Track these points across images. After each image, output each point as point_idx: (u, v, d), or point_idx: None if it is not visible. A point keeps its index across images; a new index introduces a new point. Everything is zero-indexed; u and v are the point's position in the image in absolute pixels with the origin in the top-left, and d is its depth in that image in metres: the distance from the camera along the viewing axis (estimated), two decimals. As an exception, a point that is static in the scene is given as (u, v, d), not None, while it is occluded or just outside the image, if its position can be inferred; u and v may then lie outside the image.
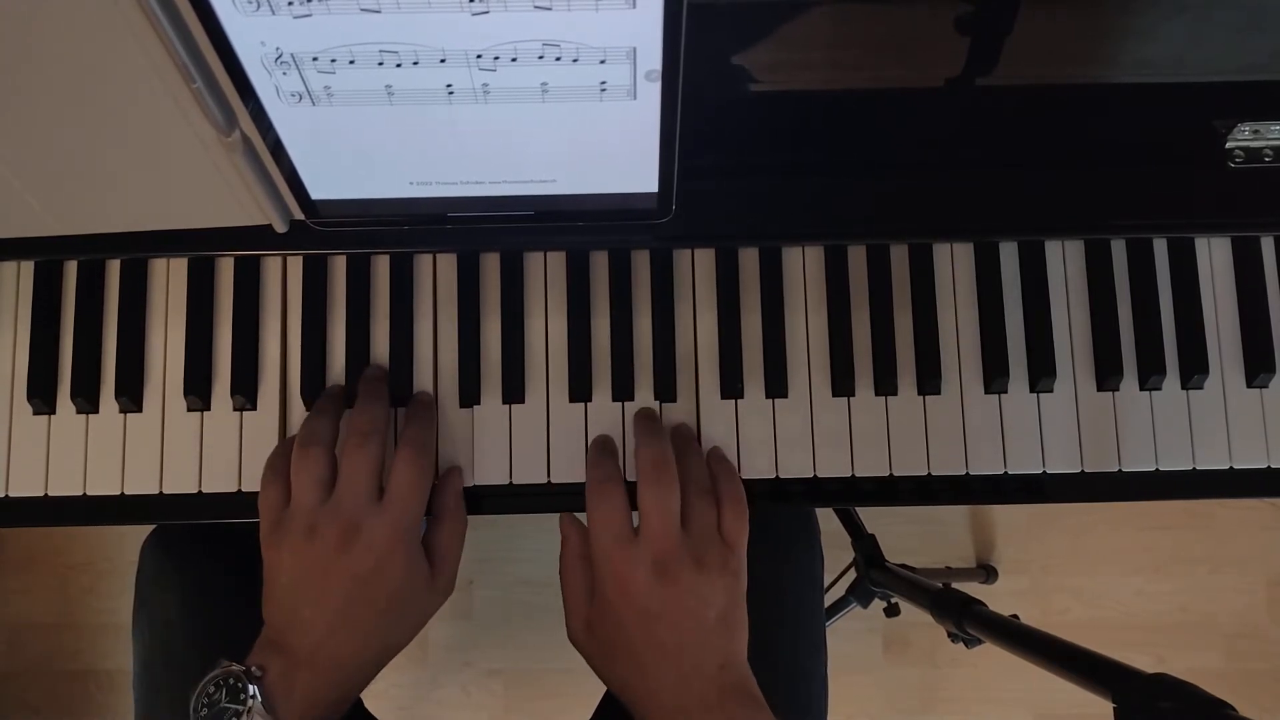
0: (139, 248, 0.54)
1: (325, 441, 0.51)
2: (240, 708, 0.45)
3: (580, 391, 0.55)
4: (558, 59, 0.37)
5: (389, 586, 0.49)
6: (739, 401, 0.55)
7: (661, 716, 0.48)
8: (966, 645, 0.82)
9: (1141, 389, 0.56)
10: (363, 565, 0.48)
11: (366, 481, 0.49)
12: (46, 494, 0.54)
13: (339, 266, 0.56)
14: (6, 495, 0.55)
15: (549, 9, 0.35)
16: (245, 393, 0.55)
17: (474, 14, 0.35)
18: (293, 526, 0.49)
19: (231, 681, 0.46)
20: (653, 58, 0.38)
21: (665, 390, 0.55)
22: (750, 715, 0.48)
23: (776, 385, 0.55)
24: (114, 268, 0.56)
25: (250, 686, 0.45)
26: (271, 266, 0.56)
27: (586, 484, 0.51)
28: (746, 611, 0.51)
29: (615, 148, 0.44)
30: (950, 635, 0.85)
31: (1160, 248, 0.57)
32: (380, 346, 0.56)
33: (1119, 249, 0.57)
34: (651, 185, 0.46)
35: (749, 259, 0.56)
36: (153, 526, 0.69)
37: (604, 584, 0.49)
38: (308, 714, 0.47)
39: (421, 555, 0.51)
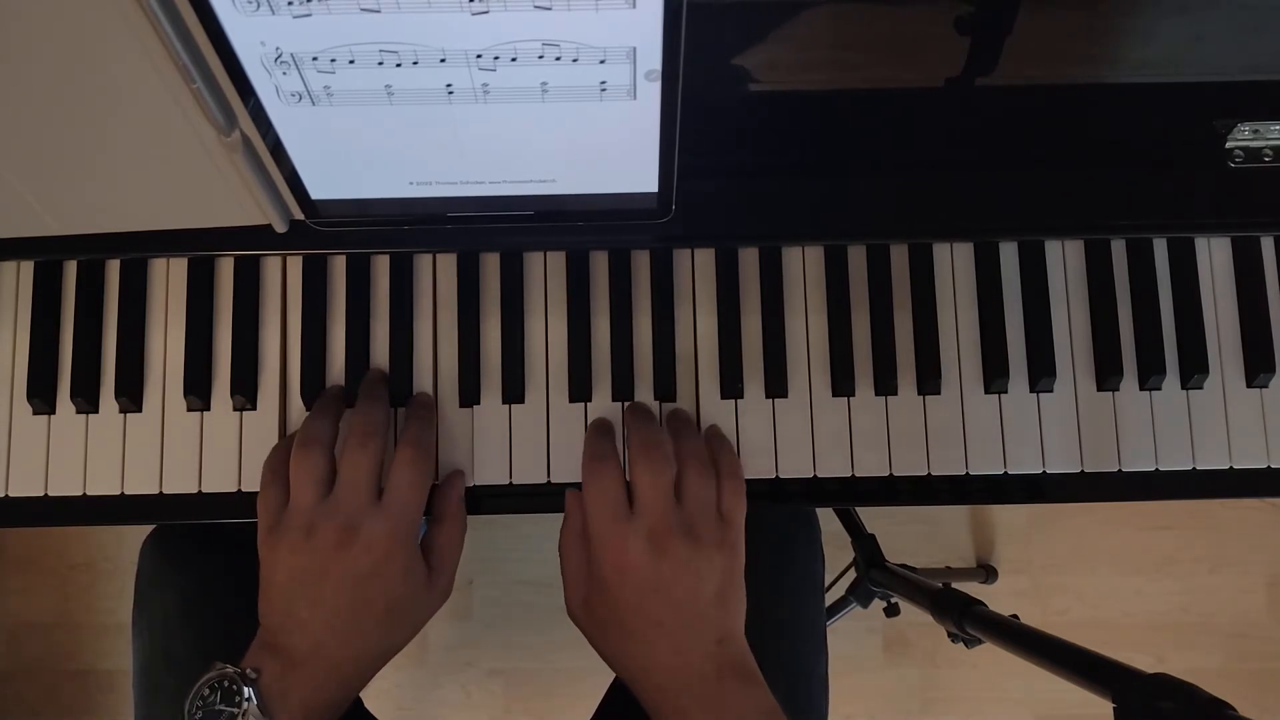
0: (139, 248, 0.54)
1: (325, 441, 0.51)
2: (235, 710, 0.45)
3: (580, 391, 0.55)
4: (557, 59, 0.37)
5: (387, 587, 0.49)
6: (739, 401, 0.55)
7: (658, 691, 0.48)
8: (966, 645, 0.82)
9: (1141, 389, 0.56)
10: (361, 565, 0.48)
11: (366, 481, 0.49)
12: (46, 494, 0.54)
13: (339, 266, 0.56)
14: (6, 495, 0.54)
15: (549, 9, 0.35)
16: (245, 393, 0.55)
17: (474, 14, 0.35)
18: (291, 526, 0.49)
19: (226, 684, 0.45)
20: (653, 58, 0.38)
21: (665, 390, 0.55)
22: (749, 692, 0.48)
23: (776, 385, 0.55)
24: (114, 268, 0.56)
25: (245, 689, 0.45)
26: (271, 266, 0.56)
27: (583, 463, 0.52)
28: (744, 588, 0.51)
29: (615, 148, 0.44)
30: (950, 635, 0.85)
31: (1160, 248, 0.57)
32: (380, 347, 0.56)
33: (1119, 249, 0.57)
34: (651, 185, 0.46)
35: (749, 259, 0.56)
36: (153, 526, 0.69)
37: (600, 560, 0.49)
38: (305, 716, 0.46)
39: (419, 557, 0.51)
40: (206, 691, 0.45)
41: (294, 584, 0.48)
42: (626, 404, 0.55)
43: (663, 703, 0.48)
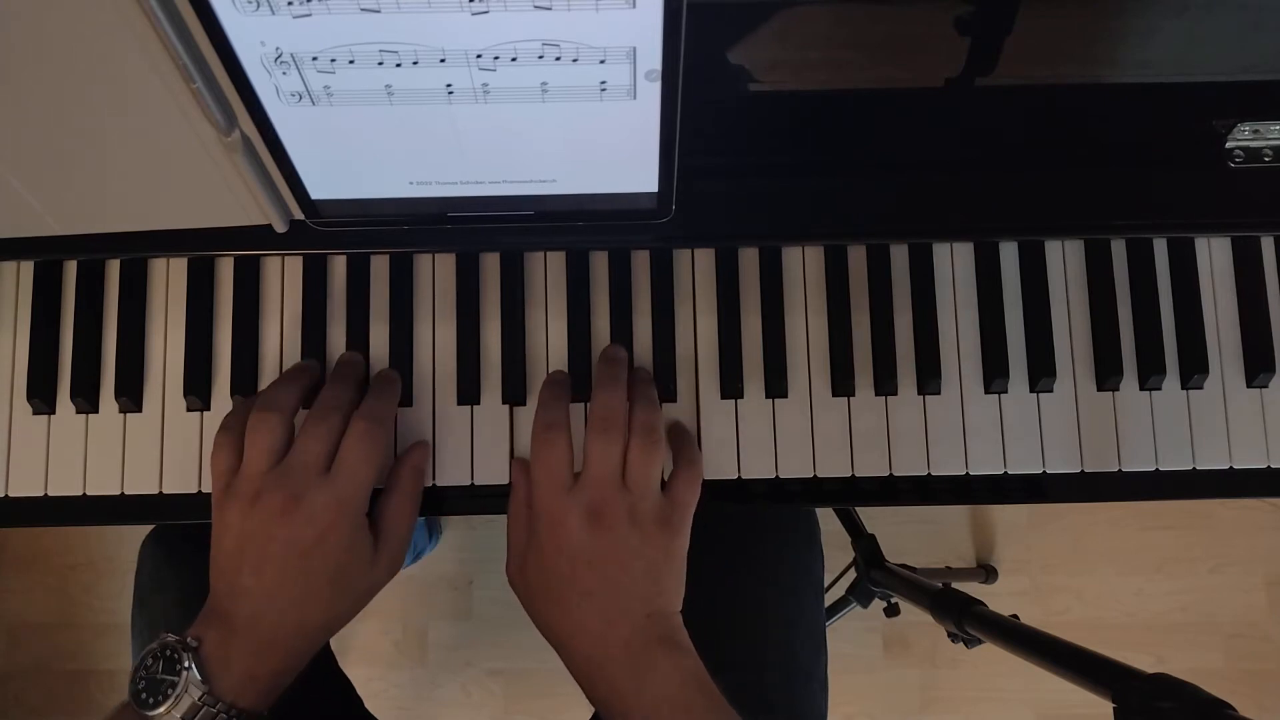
0: (139, 248, 0.54)
1: (284, 409, 0.50)
2: (175, 679, 0.44)
3: (580, 391, 0.55)
4: (557, 59, 0.37)
5: (329, 559, 0.48)
6: (739, 401, 0.55)
7: (584, 658, 0.49)
8: (966, 645, 0.82)
9: (1141, 389, 0.56)
10: (303, 536, 0.47)
11: (317, 453, 0.49)
12: (46, 494, 0.54)
13: (339, 266, 0.56)
14: (6, 495, 0.54)
15: (549, 9, 0.35)
16: (245, 392, 0.55)
17: (474, 14, 0.35)
18: (240, 491, 0.48)
19: (168, 653, 0.45)
20: (653, 58, 0.38)
21: (665, 390, 0.55)
22: (674, 659, 0.48)
23: (776, 385, 0.55)
24: (114, 268, 0.56)
25: (185, 656, 0.45)
26: (271, 266, 0.56)
27: (533, 428, 0.52)
28: (684, 570, 0.51)
29: (615, 147, 0.44)
30: (950, 635, 0.85)
31: (1160, 248, 0.57)
32: (380, 347, 0.56)
33: (1119, 249, 0.57)
34: (651, 185, 0.46)
35: (749, 259, 0.56)
36: (152, 526, 0.69)
37: (539, 528, 0.50)
38: (247, 685, 0.46)
39: (365, 529, 0.50)
40: (150, 660, 0.45)
41: (239, 550, 0.48)
42: (602, 350, 0.55)
43: (588, 669, 0.49)
